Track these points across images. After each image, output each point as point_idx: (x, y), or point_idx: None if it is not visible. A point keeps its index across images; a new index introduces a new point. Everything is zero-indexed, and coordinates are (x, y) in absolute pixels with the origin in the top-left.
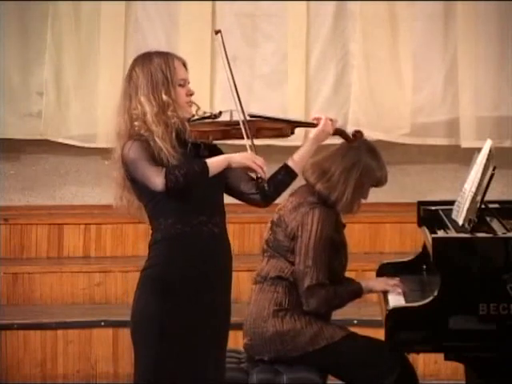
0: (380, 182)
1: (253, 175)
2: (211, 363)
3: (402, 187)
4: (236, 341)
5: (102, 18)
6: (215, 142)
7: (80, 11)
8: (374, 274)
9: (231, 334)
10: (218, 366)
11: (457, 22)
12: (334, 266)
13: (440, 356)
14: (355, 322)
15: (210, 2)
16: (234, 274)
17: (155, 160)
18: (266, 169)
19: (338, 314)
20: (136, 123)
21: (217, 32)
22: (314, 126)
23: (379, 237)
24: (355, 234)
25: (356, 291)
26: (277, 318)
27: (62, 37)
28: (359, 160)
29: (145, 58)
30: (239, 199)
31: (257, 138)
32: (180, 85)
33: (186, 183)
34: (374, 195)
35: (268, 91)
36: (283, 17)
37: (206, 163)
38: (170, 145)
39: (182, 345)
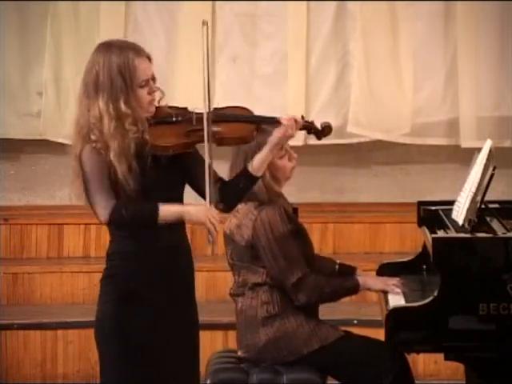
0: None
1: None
2: (180, 369)
3: (402, 187)
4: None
5: (102, 18)
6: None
7: (79, 11)
8: (373, 274)
9: (231, 334)
10: (188, 373)
11: (457, 22)
12: (304, 251)
13: (440, 356)
14: (355, 322)
15: (210, 2)
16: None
17: (109, 174)
18: (218, 226)
19: (337, 314)
20: (93, 137)
21: (204, 23)
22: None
23: (379, 237)
24: (355, 234)
25: (352, 288)
26: (267, 326)
27: (61, 36)
28: (245, 151)
29: (105, 54)
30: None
31: (218, 145)
32: (142, 86)
33: (130, 225)
34: (375, 195)
35: (268, 91)
36: (283, 17)
37: (157, 210)
38: (126, 163)
39: (144, 353)
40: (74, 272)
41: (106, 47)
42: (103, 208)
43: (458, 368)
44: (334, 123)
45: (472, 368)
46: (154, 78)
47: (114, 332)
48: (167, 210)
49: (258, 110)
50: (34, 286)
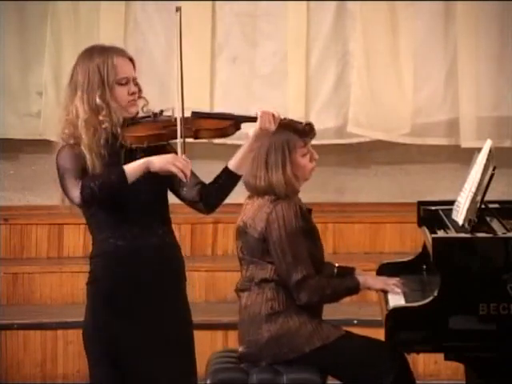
0: (302, 137)
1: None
2: (171, 372)
3: (402, 187)
4: (236, 341)
5: (102, 18)
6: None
7: (79, 11)
8: (373, 274)
9: (231, 334)
10: (182, 373)
11: (457, 22)
12: (313, 253)
13: (440, 356)
14: (355, 322)
15: (210, 2)
16: (232, 275)
17: (83, 168)
18: (189, 171)
19: (338, 314)
20: (66, 130)
21: (177, 9)
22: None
23: (379, 237)
24: (355, 234)
25: (352, 287)
26: (270, 323)
27: (61, 36)
28: (269, 144)
29: (86, 56)
30: (184, 203)
31: (196, 138)
32: (121, 84)
33: (103, 195)
34: (375, 195)
35: (268, 91)
36: (283, 17)
37: (123, 171)
38: (96, 154)
39: (133, 358)
40: (73, 272)
41: (89, 50)
42: (74, 190)
43: (458, 368)
44: (333, 123)
45: (472, 368)
46: (136, 82)
47: (99, 334)
48: (132, 167)
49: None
50: (34, 286)
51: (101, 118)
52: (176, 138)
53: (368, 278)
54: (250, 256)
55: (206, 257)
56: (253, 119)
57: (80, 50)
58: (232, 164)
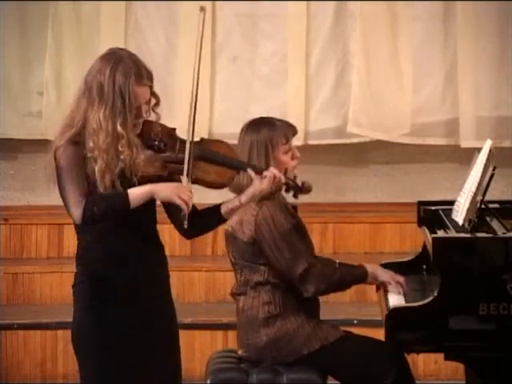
0: (286, 136)
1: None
2: (159, 369)
3: (402, 187)
4: (236, 341)
5: (102, 18)
6: None
7: (80, 11)
8: None
9: (231, 334)
10: (170, 371)
11: (457, 22)
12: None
13: (440, 356)
14: (355, 322)
15: (210, 2)
16: (232, 275)
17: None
18: (190, 204)
19: (338, 314)
20: (91, 144)
21: (202, 9)
22: (260, 172)
23: (379, 237)
24: (355, 234)
25: (360, 275)
26: (268, 326)
27: (62, 36)
28: (251, 142)
29: (112, 67)
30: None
31: (192, 183)
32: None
33: (104, 219)
34: (375, 195)
35: (268, 91)
36: (283, 17)
37: (127, 197)
38: (109, 180)
39: (122, 356)
40: (73, 272)
41: (115, 60)
42: (76, 207)
43: (457, 368)
44: (333, 123)
45: (472, 368)
46: (148, 102)
47: (92, 337)
48: (136, 194)
49: (258, 110)
50: (34, 286)
51: (120, 148)
52: (177, 175)
53: (377, 268)
54: (242, 260)
55: (206, 257)
56: (258, 171)
57: (81, 49)
58: (224, 210)
